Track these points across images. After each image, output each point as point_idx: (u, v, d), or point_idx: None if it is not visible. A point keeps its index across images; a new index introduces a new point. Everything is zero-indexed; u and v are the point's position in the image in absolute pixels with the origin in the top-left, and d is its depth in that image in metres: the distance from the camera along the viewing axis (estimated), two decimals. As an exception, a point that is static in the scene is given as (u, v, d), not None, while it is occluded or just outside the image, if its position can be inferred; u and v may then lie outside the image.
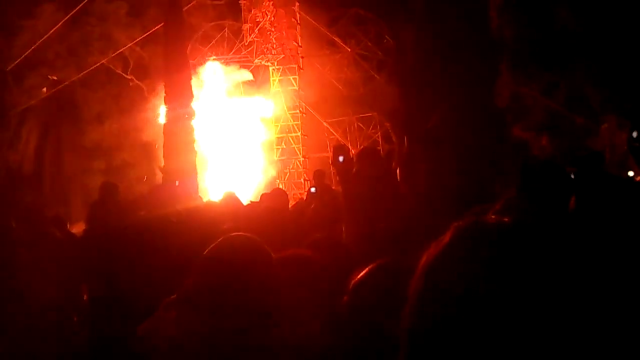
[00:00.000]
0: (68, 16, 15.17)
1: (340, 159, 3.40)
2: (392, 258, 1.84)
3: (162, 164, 12.70)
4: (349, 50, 15.74)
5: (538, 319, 0.73)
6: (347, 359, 1.71)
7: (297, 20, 16.14)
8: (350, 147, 16.59)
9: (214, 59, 16.01)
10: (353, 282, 1.72)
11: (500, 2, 10.94)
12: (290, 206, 6.09)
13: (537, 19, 10.73)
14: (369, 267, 1.75)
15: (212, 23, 16.13)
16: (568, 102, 11.05)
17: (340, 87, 15.84)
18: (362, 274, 1.72)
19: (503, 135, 9.49)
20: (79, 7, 15.19)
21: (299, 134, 16.23)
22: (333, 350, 1.76)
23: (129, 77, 16.65)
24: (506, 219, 0.83)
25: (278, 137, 16.32)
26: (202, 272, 1.88)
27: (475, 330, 0.75)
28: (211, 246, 1.88)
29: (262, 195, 6.63)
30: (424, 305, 0.81)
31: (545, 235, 0.80)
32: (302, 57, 16.16)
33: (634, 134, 2.72)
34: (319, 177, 7.84)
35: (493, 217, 0.85)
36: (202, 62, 15.85)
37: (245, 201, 6.30)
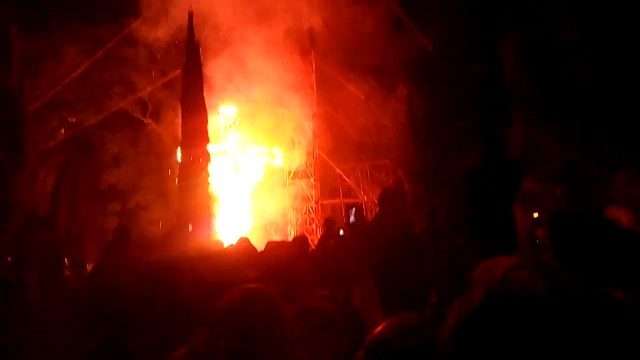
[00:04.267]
0: (90, 60, 15.59)
1: (352, 218, 3.43)
2: (408, 314, 1.82)
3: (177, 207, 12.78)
4: (363, 98, 15.95)
5: None
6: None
7: (312, 68, 16.45)
8: (362, 193, 16.67)
9: (228, 103, 16.28)
10: (370, 337, 1.71)
11: (513, 54, 11.10)
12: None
13: (550, 70, 10.86)
14: (386, 322, 1.74)
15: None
16: (582, 153, 11.04)
17: (354, 134, 15.99)
18: (379, 329, 1.71)
19: (515, 186, 9.44)
20: (101, 52, 15.63)
21: (312, 179, 16.31)
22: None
23: (147, 121, 16.95)
24: (539, 282, 0.82)
25: (291, 183, 16.41)
26: (215, 325, 1.87)
27: None
28: (225, 298, 1.88)
29: (269, 243, 6.63)
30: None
31: (581, 307, 0.79)
32: (317, 104, 16.40)
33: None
34: (329, 225, 7.85)
35: (524, 275, 0.83)
36: (219, 105, 16.12)
37: (257, 247, 6.30)
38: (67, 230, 15.79)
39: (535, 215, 11.58)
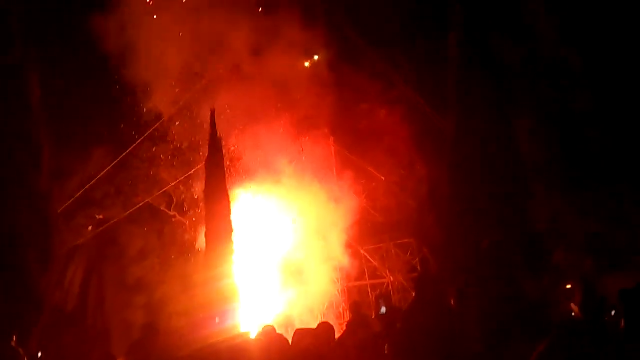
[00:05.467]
0: (116, 160, 16.15)
1: (383, 309, 3.44)
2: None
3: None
4: (383, 178, 16.12)
5: None
6: None
7: (331, 153, 16.79)
8: (388, 273, 16.47)
9: (251, 188, 16.54)
10: None
11: (528, 125, 11.26)
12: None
13: (567, 142, 10.95)
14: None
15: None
16: (609, 222, 10.90)
17: (376, 214, 16.04)
18: None
19: (545, 260, 9.32)
20: (127, 151, 16.21)
21: (335, 262, 16.21)
22: None
23: (172, 213, 17.25)
24: None
25: (314, 267, 16.32)
26: None
27: None
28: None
29: (298, 331, 6.55)
30: None
31: None
32: (337, 186, 16.58)
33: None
34: (355, 309, 7.75)
35: None
36: (240, 192, 16.39)
37: (281, 335, 6.22)
38: (94, 327, 15.76)
39: (568, 286, 11.31)
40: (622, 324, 3.31)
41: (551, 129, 11.48)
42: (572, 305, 6.83)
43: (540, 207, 10.42)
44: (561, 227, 10.73)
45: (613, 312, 4.84)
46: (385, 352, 5.11)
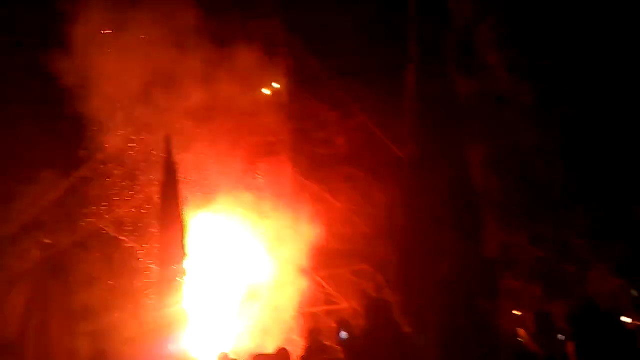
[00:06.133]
0: (68, 184, 15.71)
1: (343, 335, 3.43)
2: None
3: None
4: (340, 206, 16.22)
5: None
6: None
7: (288, 179, 16.79)
8: (343, 299, 16.44)
9: (207, 215, 16.35)
10: None
11: (480, 159, 11.60)
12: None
13: (520, 172, 11.32)
14: None
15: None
16: (557, 251, 11.25)
17: (332, 241, 16.05)
18: None
19: (496, 286, 9.53)
20: (78, 174, 15.80)
21: (290, 289, 16.09)
22: None
23: (122, 238, 16.81)
24: None
25: (268, 292, 16.16)
26: None
27: None
28: None
29: (255, 357, 6.47)
30: None
31: None
32: (294, 214, 16.56)
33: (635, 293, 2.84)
34: (313, 335, 7.71)
35: None
36: (196, 217, 16.16)
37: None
38: (36, 354, 15.11)
39: (517, 313, 11.56)
40: (569, 347, 3.41)
41: (503, 160, 11.86)
42: (521, 330, 6.98)
43: (492, 235, 10.68)
44: (512, 255, 11.01)
45: (562, 337, 4.97)
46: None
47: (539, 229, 10.96)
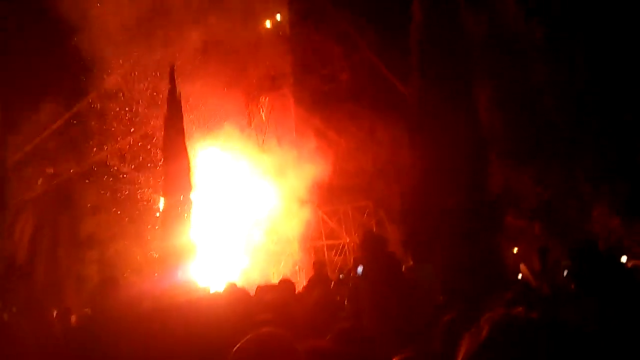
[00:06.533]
0: (69, 113, 15.67)
1: (360, 269, 3.53)
2: (411, 352, 1.91)
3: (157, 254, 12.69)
4: (343, 143, 16.22)
5: None
6: None
7: (292, 115, 16.73)
8: (345, 234, 16.75)
9: (211, 148, 16.40)
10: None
11: (487, 96, 11.50)
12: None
13: (524, 112, 11.26)
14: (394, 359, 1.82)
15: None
16: (559, 189, 11.34)
17: (335, 178, 16.16)
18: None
19: (498, 223, 9.66)
20: (80, 104, 15.73)
21: (294, 222, 16.35)
22: None
23: (126, 170, 16.93)
24: (534, 315, 0.95)
25: (273, 225, 16.43)
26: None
27: None
28: (242, 342, 1.91)
29: (260, 287, 6.67)
30: None
31: (568, 332, 0.92)
32: (297, 149, 16.60)
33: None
34: (319, 267, 7.91)
35: (521, 311, 0.97)
36: (199, 151, 16.23)
37: (244, 289, 6.28)
38: (46, 280, 15.54)
39: (515, 250, 11.79)
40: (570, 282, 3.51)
41: (510, 98, 11.76)
42: (522, 266, 7.14)
43: (495, 173, 10.74)
44: (514, 194, 11.10)
45: (565, 273, 5.10)
46: (345, 306, 5.25)
47: (544, 167, 10.99)
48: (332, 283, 7.83)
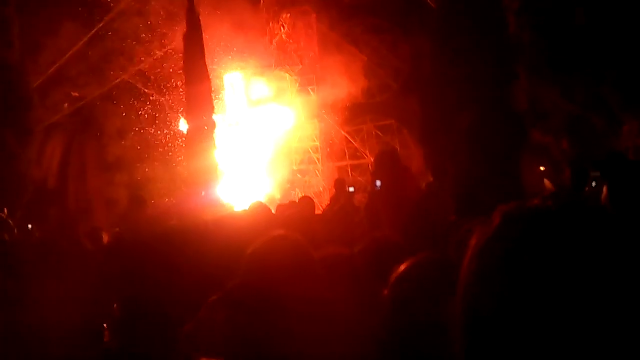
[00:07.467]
0: (90, 34, 15.51)
1: (378, 184, 3.54)
2: (429, 252, 1.92)
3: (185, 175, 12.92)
4: (365, 59, 15.87)
5: (589, 299, 0.76)
6: (389, 350, 1.78)
7: (313, 31, 16.33)
8: (368, 154, 16.73)
9: (234, 70, 16.24)
10: (393, 275, 1.80)
11: (517, 6, 11.00)
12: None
13: (554, 21, 10.75)
14: (408, 261, 1.83)
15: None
16: (587, 105, 11.01)
17: (358, 96, 15.95)
18: (401, 267, 1.80)
19: (522, 139, 9.50)
20: (99, 25, 15.53)
21: (317, 143, 16.35)
22: (378, 343, 1.82)
23: (150, 92, 16.93)
24: (550, 203, 0.87)
25: (296, 146, 16.47)
26: (248, 271, 1.95)
27: (530, 311, 0.77)
28: (255, 245, 1.96)
29: (280, 205, 6.78)
30: (477, 285, 0.84)
31: (589, 218, 0.82)
32: (319, 68, 16.32)
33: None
34: (340, 185, 7.95)
35: (537, 201, 0.86)
36: (222, 73, 16.08)
37: (266, 206, 6.38)
38: (76, 203, 15.95)
39: (542, 168, 11.65)
40: (604, 192, 3.43)
41: (538, 11, 11.22)
42: (546, 181, 7.08)
43: (522, 88, 10.45)
44: (541, 109, 10.83)
45: (594, 184, 5.02)
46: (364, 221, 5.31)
47: (572, 82, 10.63)
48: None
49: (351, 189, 7.41)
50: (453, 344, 0.85)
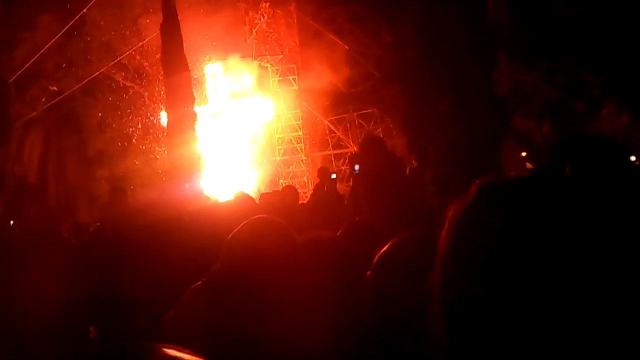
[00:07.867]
0: (66, 27, 15.26)
1: (357, 168, 3.52)
2: (410, 232, 1.91)
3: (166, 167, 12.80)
4: (347, 48, 15.81)
5: (564, 269, 0.76)
6: (373, 332, 1.78)
7: (294, 21, 16.22)
8: (351, 143, 16.72)
9: (214, 62, 16.10)
10: (376, 257, 1.79)
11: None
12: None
13: (534, 6, 10.80)
14: (390, 242, 1.82)
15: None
16: (568, 89, 11.09)
17: (340, 85, 15.91)
18: (384, 248, 1.79)
19: (504, 124, 9.56)
20: (76, 17, 15.29)
21: (300, 133, 16.30)
22: (358, 325, 1.81)
23: (129, 85, 16.74)
24: (528, 174, 0.89)
25: (279, 137, 16.41)
26: (229, 254, 1.93)
27: (507, 278, 0.77)
28: (237, 229, 1.93)
29: (263, 194, 6.76)
30: (456, 257, 0.83)
31: (563, 189, 0.84)
32: (301, 57, 16.24)
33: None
34: (323, 173, 7.94)
35: (513, 174, 0.92)
36: (202, 64, 15.94)
37: (250, 196, 6.36)
38: (58, 198, 15.78)
39: (524, 154, 11.75)
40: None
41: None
42: (528, 165, 7.14)
43: (503, 73, 10.50)
44: (522, 93, 10.89)
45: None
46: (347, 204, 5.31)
47: (551, 65, 10.68)
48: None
49: (333, 176, 7.42)
50: (434, 317, 0.85)
